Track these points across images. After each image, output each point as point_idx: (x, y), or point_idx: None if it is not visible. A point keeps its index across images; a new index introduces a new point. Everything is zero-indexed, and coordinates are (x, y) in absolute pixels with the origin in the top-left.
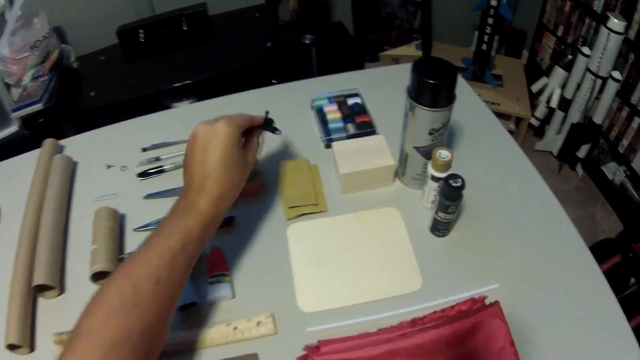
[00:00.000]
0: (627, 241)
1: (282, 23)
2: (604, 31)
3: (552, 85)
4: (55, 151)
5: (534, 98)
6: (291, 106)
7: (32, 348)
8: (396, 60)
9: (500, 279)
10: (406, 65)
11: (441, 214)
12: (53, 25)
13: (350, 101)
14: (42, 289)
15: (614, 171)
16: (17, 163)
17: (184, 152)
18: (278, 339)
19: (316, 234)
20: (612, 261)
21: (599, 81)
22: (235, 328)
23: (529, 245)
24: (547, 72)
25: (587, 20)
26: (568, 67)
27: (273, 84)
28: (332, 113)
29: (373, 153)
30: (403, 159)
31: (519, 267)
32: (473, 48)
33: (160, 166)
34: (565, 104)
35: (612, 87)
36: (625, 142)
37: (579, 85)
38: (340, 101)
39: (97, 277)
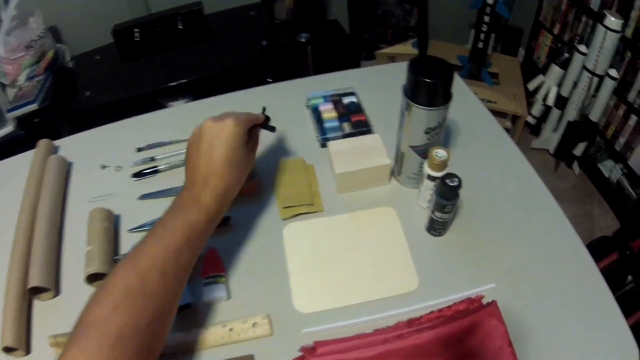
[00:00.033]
0: (624, 239)
1: (278, 21)
2: (600, 29)
3: (549, 83)
4: (49, 152)
5: (530, 96)
6: (287, 105)
7: (27, 350)
8: (392, 58)
9: (497, 278)
10: (402, 64)
11: (437, 214)
12: (48, 25)
13: (346, 100)
14: (37, 291)
15: (610, 169)
16: (11, 164)
17: (179, 152)
18: (274, 340)
19: (312, 234)
20: (609, 259)
21: (596, 79)
22: (231, 329)
23: (525, 243)
24: (544, 70)
25: (583, 18)
26: (565, 65)
27: (269, 82)
28: (328, 112)
29: (369, 152)
30: (399, 158)
31: (516, 266)
32: (469, 46)
33: (155, 166)
34: (561, 102)
35: (608, 85)
36: (621, 139)
37: (575, 83)
38: (335, 100)
39: (92, 278)
